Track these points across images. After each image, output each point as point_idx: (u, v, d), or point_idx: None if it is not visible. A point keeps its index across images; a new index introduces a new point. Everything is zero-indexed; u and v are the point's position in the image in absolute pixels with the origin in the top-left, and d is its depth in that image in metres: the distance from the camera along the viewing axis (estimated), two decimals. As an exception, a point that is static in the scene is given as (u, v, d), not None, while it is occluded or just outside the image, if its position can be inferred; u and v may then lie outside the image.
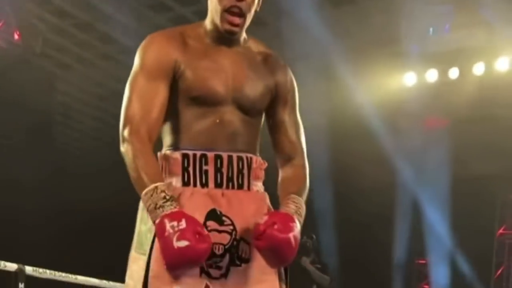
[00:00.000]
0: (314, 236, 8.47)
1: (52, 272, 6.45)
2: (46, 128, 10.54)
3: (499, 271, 12.12)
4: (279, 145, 2.77)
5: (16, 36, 8.59)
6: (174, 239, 2.31)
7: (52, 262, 6.94)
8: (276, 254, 2.50)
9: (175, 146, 2.60)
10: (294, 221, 2.49)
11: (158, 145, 2.59)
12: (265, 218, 2.48)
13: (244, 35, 2.67)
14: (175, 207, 2.38)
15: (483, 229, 11.65)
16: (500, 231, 12.23)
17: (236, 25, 2.56)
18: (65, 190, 11.24)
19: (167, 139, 2.64)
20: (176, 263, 2.38)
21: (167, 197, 2.41)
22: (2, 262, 5.99)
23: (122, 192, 11.85)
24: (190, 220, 2.35)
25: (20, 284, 6.09)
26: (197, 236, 2.31)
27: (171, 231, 2.32)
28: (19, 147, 10.61)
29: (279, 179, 2.74)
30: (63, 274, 6.57)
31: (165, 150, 2.62)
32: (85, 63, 9.92)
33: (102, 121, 11.40)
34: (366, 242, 11.66)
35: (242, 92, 2.61)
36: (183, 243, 2.30)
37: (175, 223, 2.32)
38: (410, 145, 10.38)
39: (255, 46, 2.74)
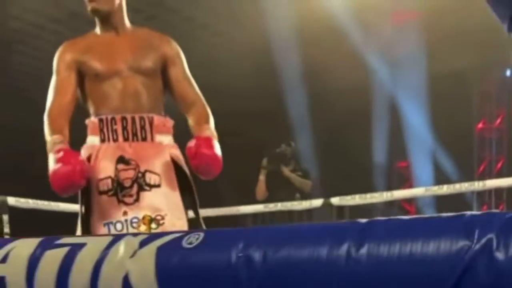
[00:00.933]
0: (292, 143, 8.87)
1: (35, 201, 6.89)
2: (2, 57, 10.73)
3: (482, 167, 12.63)
4: (180, 97, 3.92)
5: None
6: (53, 165, 3.41)
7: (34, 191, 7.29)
8: (207, 169, 3.66)
9: (95, 114, 3.74)
10: (214, 141, 3.68)
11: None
12: (193, 141, 3.61)
13: (128, 25, 3.86)
14: (59, 146, 3.50)
15: (463, 125, 12.00)
16: (480, 125, 12.64)
17: (92, 0, 3.70)
18: (26, 115, 11.49)
19: (91, 111, 3.79)
20: (58, 184, 3.45)
21: (56, 141, 3.52)
22: (-15, 196, 6.39)
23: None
24: (67, 151, 3.50)
25: (3, 215, 6.52)
26: (72, 160, 3.42)
27: (52, 162, 3.43)
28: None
29: (190, 121, 3.86)
30: (46, 203, 7.00)
31: (90, 118, 3.78)
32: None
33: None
34: (345, 145, 12.02)
35: (135, 60, 3.77)
36: (58, 165, 3.40)
37: (55, 156, 3.42)
38: (382, 42, 10.71)
39: (142, 32, 3.93)
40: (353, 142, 11.91)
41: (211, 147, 3.66)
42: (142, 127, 3.72)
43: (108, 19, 3.79)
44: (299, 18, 10.12)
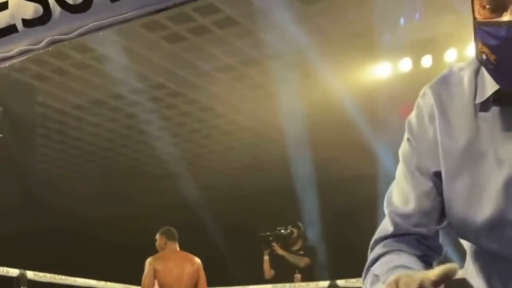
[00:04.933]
0: (300, 224, 9.12)
1: (52, 275, 7.01)
2: (27, 140, 10.96)
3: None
4: None
5: (-6, 51, 8.83)
6: None
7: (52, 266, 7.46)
8: None
9: None
10: None
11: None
12: None
13: None
14: None
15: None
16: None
17: None
18: (54, 198, 11.72)
19: None
20: None
21: None
22: (5, 268, 6.53)
23: (111, 196, 12.28)
24: None
25: (22, 288, 6.64)
26: None
27: None
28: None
29: None
30: (63, 277, 7.12)
31: None
32: (62, 73, 10.25)
33: (81, 130, 11.85)
34: (351, 230, 12.17)
35: None
36: None
37: None
38: (389, 134, 10.89)
39: None
40: (358, 226, 12.01)
41: None
42: None
43: None
44: (308, 111, 10.36)
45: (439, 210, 1.72)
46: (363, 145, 11.03)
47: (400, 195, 1.80)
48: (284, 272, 8.67)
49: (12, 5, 1.75)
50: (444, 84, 1.76)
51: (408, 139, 1.80)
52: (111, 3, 1.61)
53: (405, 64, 9.68)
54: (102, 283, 7.48)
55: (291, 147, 11.20)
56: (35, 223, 12.86)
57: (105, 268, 9.66)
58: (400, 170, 1.83)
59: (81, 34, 1.68)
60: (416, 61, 9.59)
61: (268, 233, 8.99)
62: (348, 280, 7.71)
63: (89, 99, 10.89)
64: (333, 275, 8.84)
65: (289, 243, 8.91)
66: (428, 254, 1.76)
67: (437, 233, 1.76)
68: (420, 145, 1.76)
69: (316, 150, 11.33)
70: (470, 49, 9.25)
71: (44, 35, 1.72)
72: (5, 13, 1.75)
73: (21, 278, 6.65)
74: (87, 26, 1.66)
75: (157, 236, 8.26)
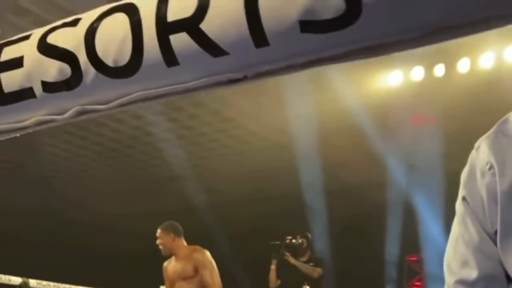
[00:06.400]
0: (309, 235, 9.04)
1: (56, 284, 6.96)
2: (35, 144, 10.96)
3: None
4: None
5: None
6: None
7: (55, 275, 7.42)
8: None
9: None
10: None
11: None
12: None
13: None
14: None
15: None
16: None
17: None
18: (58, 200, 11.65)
19: None
20: None
21: None
22: (7, 276, 6.48)
23: (120, 201, 12.19)
24: None
25: (25, 297, 6.59)
26: None
27: None
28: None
29: None
30: (67, 286, 7.06)
31: None
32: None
33: (87, 130, 11.78)
34: (358, 239, 12.11)
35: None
36: None
37: None
38: (399, 143, 10.82)
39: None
40: (366, 235, 11.98)
41: None
42: None
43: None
44: (319, 118, 10.29)
45: (505, 273, 1.58)
46: (373, 153, 10.95)
47: (460, 259, 1.66)
48: (289, 283, 8.59)
49: (29, 63, 1.38)
50: (501, 131, 1.64)
51: (464, 198, 1.67)
52: (167, 68, 1.28)
53: (417, 73, 9.56)
54: (105, 291, 7.40)
55: (300, 154, 11.14)
56: (38, 227, 12.81)
57: (107, 274, 9.63)
58: (456, 230, 1.68)
59: (122, 105, 1.34)
60: (429, 70, 9.48)
61: (278, 242, 8.87)
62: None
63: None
64: (340, 282, 8.77)
65: (298, 254, 8.81)
66: None
67: None
68: (475, 204, 1.62)
69: (326, 157, 11.26)
70: (483, 59, 9.17)
71: (71, 104, 1.38)
72: (18, 72, 1.39)
73: (24, 286, 6.61)
74: (131, 96, 1.31)
75: (160, 234, 6.96)
